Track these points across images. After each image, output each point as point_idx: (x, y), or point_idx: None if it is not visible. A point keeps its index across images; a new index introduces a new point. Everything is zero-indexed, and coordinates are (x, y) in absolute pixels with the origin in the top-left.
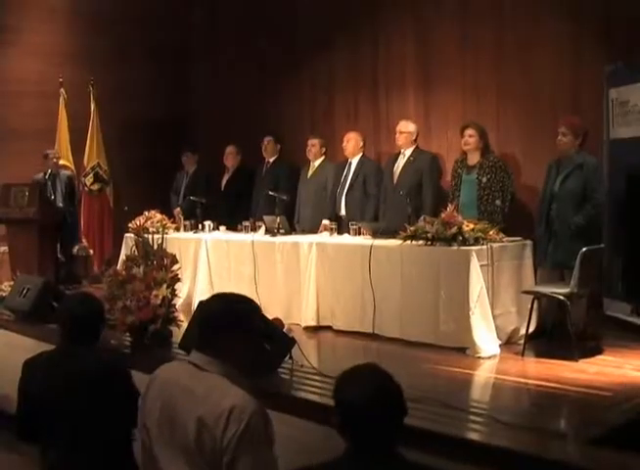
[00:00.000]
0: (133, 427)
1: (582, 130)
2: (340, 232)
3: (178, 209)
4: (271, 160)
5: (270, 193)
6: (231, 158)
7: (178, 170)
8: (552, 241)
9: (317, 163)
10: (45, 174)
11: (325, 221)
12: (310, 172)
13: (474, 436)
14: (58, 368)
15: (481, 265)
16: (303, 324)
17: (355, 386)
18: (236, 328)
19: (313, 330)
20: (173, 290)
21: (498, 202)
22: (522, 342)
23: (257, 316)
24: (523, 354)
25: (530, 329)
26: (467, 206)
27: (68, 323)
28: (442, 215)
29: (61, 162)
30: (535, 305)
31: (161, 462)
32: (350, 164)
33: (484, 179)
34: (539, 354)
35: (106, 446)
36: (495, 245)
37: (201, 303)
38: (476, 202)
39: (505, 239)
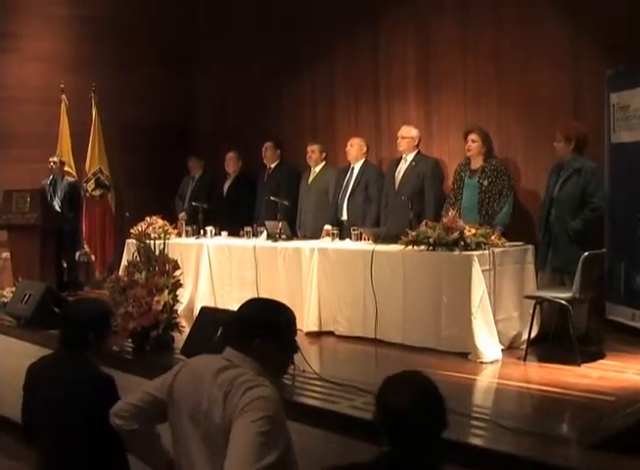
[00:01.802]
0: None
1: (576, 135)
2: (341, 237)
3: (183, 213)
4: (272, 165)
5: (272, 198)
6: (232, 163)
7: (184, 175)
8: (551, 246)
9: (318, 168)
10: (48, 180)
11: (327, 226)
12: (311, 178)
13: (476, 441)
14: (50, 373)
15: (483, 270)
16: (305, 329)
17: (400, 390)
18: (274, 337)
19: (315, 335)
20: (175, 295)
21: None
22: (524, 346)
23: (287, 324)
24: (525, 359)
25: (532, 334)
26: (469, 209)
27: (60, 327)
28: (444, 220)
29: (66, 168)
30: (537, 310)
31: (191, 450)
32: (353, 169)
33: (486, 182)
34: (541, 359)
35: (97, 456)
36: (497, 250)
37: (242, 306)
38: (477, 205)
39: (507, 244)
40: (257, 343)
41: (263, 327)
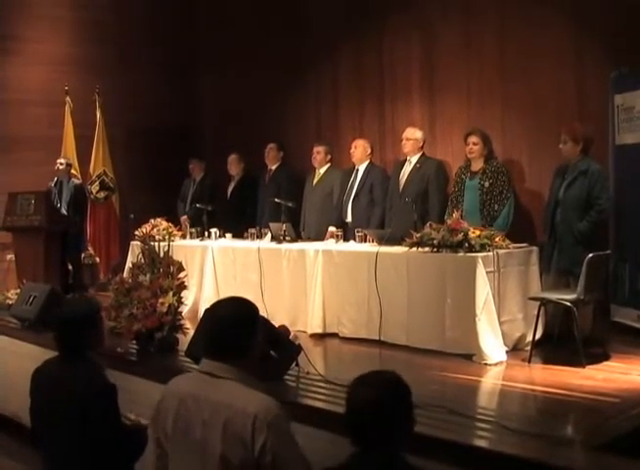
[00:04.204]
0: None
1: (582, 136)
2: (346, 239)
3: (185, 216)
4: (273, 167)
5: (276, 200)
6: (234, 166)
7: (185, 178)
8: (556, 247)
9: (322, 170)
10: (54, 182)
11: (331, 228)
12: (316, 180)
13: (480, 443)
14: (54, 378)
15: (488, 272)
16: (310, 331)
17: (363, 390)
18: (244, 331)
19: (319, 337)
20: (179, 297)
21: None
22: (528, 348)
23: (260, 317)
24: (529, 361)
25: (537, 335)
26: (470, 212)
27: (55, 331)
28: (448, 222)
29: (72, 171)
30: (542, 312)
31: None
32: (357, 170)
33: (487, 184)
34: (546, 361)
35: (97, 463)
36: (501, 251)
37: (206, 311)
38: (479, 207)
39: (511, 245)
40: (232, 343)
41: (232, 325)
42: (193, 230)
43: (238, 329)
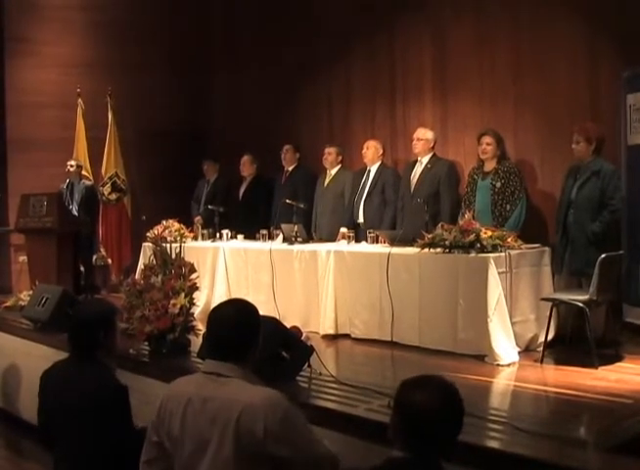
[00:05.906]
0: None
1: (595, 136)
2: (357, 240)
3: (199, 217)
4: (290, 168)
5: (288, 201)
6: (246, 167)
7: (199, 179)
8: (569, 248)
9: (334, 171)
10: (65, 184)
11: (343, 229)
12: (327, 181)
13: (493, 443)
14: (64, 380)
15: (500, 272)
16: (322, 332)
17: (425, 391)
18: (246, 332)
19: (331, 338)
20: (191, 299)
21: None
22: (540, 349)
23: (259, 316)
24: (542, 362)
25: (549, 336)
26: (482, 212)
27: (69, 331)
28: (460, 223)
29: (83, 172)
30: (554, 312)
31: None
32: (369, 171)
33: (498, 184)
34: (558, 362)
35: (108, 463)
36: (513, 252)
37: (209, 314)
38: (490, 207)
39: (523, 246)
40: (236, 344)
41: (235, 326)
42: (205, 231)
43: (240, 331)
